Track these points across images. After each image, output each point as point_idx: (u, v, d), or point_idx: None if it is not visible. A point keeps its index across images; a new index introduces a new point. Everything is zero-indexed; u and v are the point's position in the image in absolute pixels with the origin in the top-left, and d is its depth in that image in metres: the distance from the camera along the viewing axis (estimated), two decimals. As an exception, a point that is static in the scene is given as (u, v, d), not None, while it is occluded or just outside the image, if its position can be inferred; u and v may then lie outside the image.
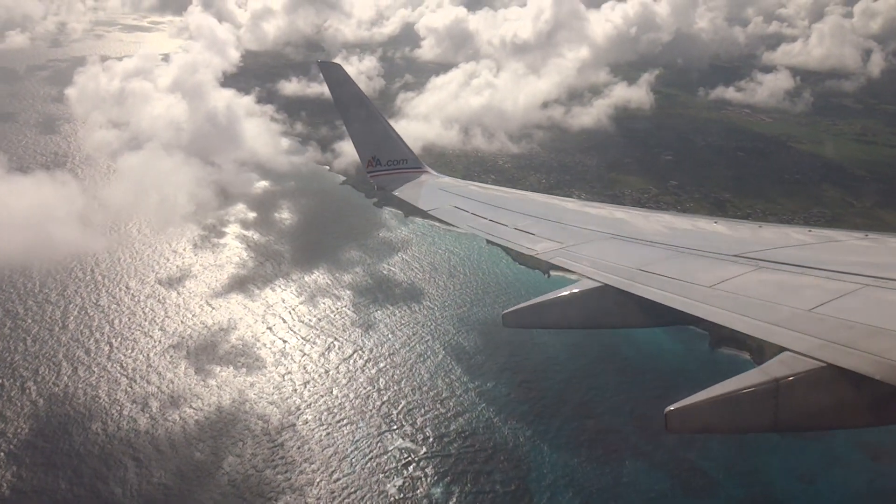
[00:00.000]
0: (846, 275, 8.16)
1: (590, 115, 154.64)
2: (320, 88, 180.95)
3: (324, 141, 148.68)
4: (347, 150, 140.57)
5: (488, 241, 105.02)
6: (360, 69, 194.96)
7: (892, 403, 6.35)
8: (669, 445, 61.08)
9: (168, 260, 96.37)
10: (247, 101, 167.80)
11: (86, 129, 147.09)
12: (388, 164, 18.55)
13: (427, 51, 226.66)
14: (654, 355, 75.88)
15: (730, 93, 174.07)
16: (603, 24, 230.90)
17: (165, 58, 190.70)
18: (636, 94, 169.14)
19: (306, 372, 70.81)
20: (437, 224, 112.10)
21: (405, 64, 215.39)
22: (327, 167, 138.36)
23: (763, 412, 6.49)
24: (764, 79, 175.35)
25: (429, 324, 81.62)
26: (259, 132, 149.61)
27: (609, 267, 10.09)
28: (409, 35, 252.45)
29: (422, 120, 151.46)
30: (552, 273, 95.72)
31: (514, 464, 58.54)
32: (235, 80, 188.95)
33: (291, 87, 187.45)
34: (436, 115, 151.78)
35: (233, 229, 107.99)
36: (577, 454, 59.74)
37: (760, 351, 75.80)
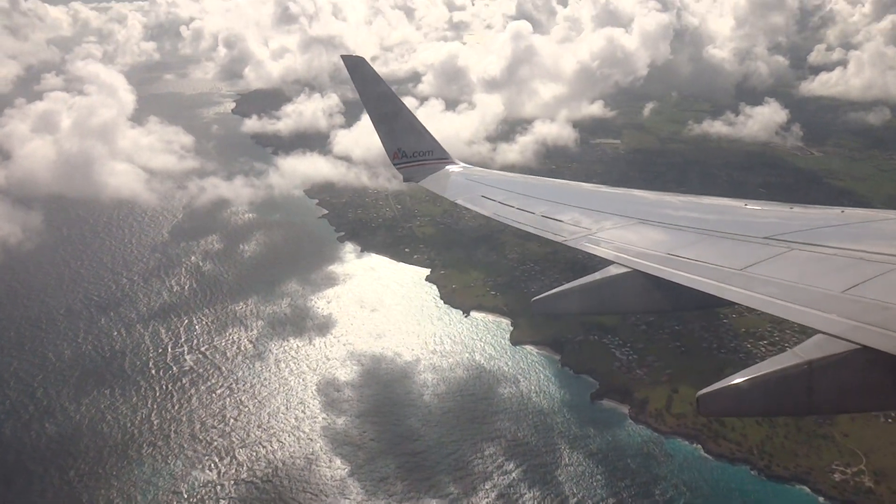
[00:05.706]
0: (881, 255, 8.04)
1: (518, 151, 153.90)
2: (280, 125, 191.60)
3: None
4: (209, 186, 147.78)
5: (426, 279, 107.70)
6: (323, 106, 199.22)
7: None
8: (468, 487, 60.72)
9: (117, 285, 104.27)
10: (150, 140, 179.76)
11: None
12: (413, 155, 18.46)
13: (426, 86, 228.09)
14: (524, 398, 74.81)
15: (716, 126, 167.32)
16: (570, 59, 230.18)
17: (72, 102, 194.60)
18: (563, 131, 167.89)
19: (161, 398, 75.01)
20: (389, 258, 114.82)
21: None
22: (316, 201, 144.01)
23: (796, 395, 6.42)
24: (753, 112, 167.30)
25: (318, 356, 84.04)
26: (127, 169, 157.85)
27: (637, 252, 10.14)
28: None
29: (340, 156, 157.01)
30: (473, 313, 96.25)
31: (311, 496, 60.06)
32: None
33: (251, 123, 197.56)
34: (353, 151, 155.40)
35: (193, 259, 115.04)
36: (375, 493, 60.39)
37: (642, 405, 73.17)
